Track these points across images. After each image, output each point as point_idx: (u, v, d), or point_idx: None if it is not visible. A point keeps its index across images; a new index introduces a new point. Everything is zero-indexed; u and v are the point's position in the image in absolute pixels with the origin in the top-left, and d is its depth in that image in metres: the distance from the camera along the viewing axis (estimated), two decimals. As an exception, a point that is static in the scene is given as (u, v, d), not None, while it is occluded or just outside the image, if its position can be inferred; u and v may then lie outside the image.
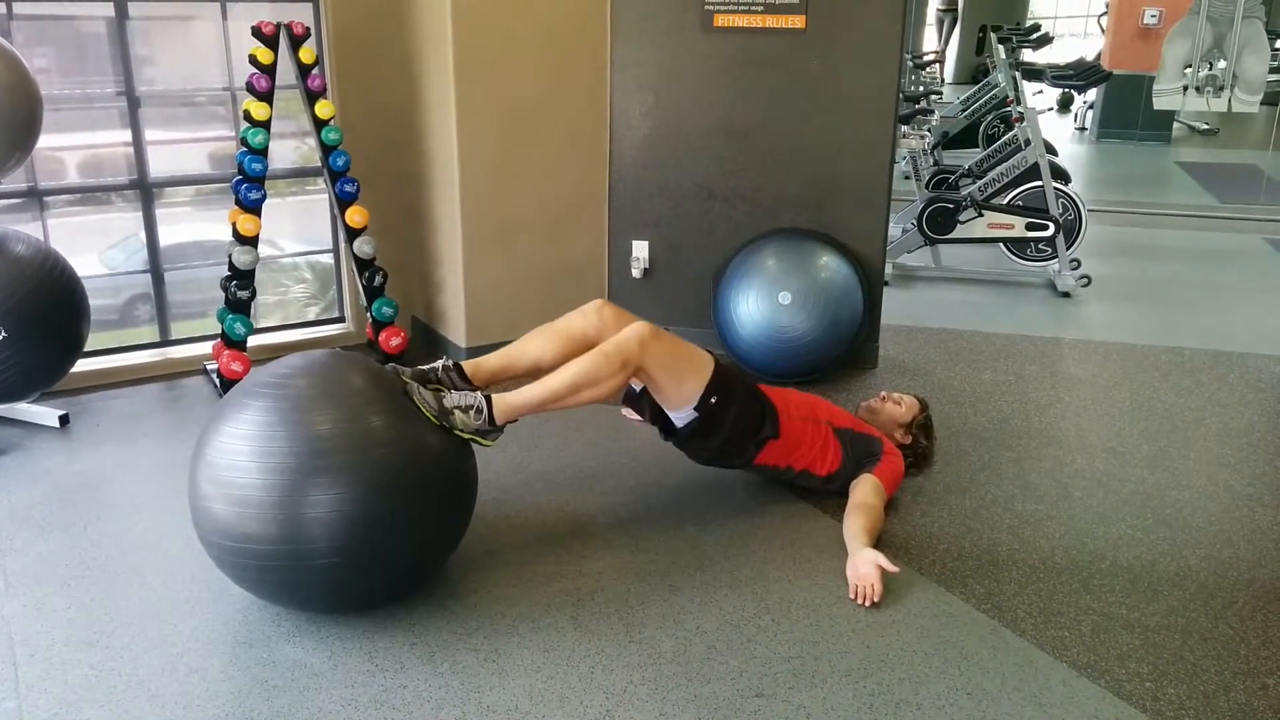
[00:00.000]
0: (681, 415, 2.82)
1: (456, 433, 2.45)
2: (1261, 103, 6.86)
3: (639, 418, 3.17)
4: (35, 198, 3.83)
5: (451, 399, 2.46)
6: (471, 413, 2.46)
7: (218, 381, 3.79)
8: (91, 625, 2.41)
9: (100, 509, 2.97)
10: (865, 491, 2.84)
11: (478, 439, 2.50)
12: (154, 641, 2.35)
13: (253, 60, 3.72)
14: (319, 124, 3.88)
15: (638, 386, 2.93)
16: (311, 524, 2.20)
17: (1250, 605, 2.57)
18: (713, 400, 2.77)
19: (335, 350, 2.51)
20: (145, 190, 3.98)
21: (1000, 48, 7.37)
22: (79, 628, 2.41)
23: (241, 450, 2.22)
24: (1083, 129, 11.62)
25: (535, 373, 2.69)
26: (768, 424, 2.88)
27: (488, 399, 2.49)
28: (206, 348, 4.07)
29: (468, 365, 2.65)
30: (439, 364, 2.60)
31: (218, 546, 2.29)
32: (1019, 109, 6.09)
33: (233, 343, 3.78)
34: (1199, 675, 2.29)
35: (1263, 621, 2.50)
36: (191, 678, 2.23)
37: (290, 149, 4.31)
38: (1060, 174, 6.28)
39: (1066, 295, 5.35)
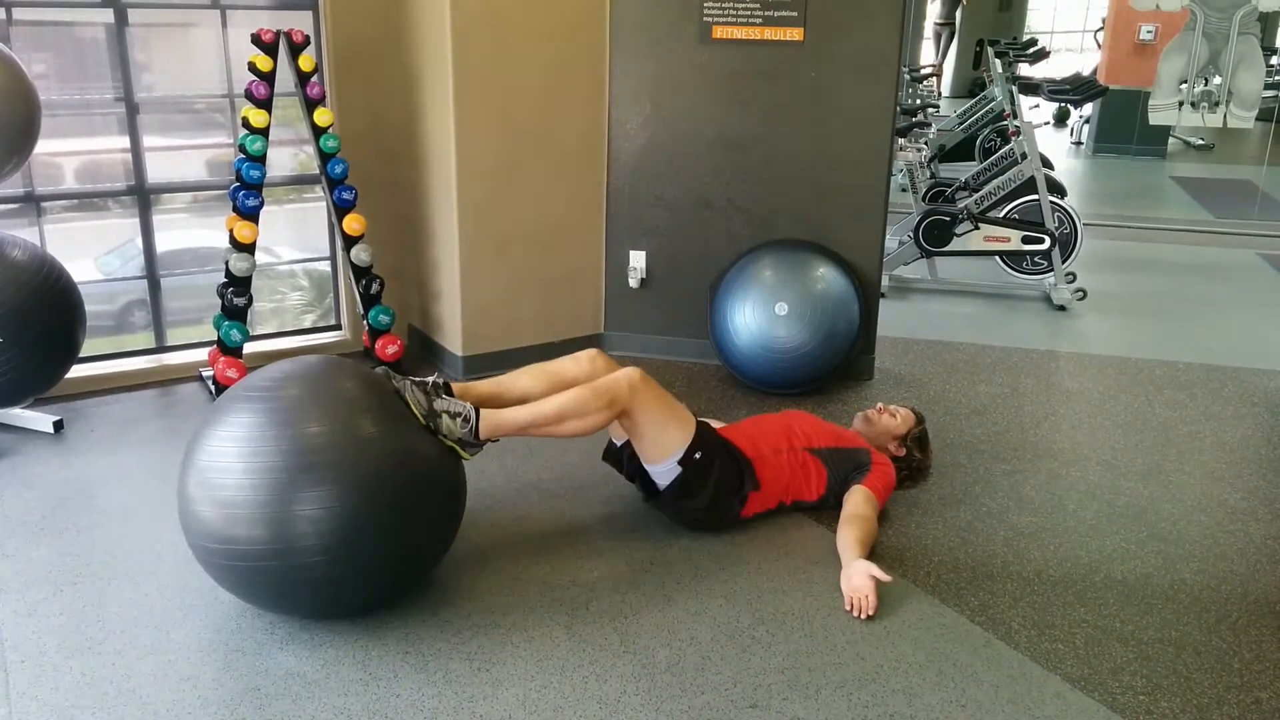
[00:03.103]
0: (663, 470, 2.81)
1: (440, 437, 2.47)
2: (1256, 118, 6.90)
3: None
4: (32, 203, 3.83)
5: (442, 403, 2.48)
6: (458, 421, 2.48)
7: (213, 388, 3.79)
8: (83, 631, 2.41)
9: (93, 515, 2.96)
10: (857, 502, 2.85)
11: (458, 448, 2.51)
12: (146, 648, 2.34)
13: (252, 67, 3.73)
14: (317, 131, 3.89)
15: (619, 440, 2.94)
16: (300, 527, 2.20)
17: (1244, 619, 2.57)
18: (697, 456, 2.78)
19: (326, 356, 2.51)
20: (143, 196, 3.98)
21: (997, 62, 7.41)
22: (71, 634, 2.40)
23: (231, 454, 2.23)
24: (1079, 143, 11.66)
25: (521, 404, 2.70)
26: (747, 479, 2.89)
27: (476, 411, 2.51)
28: (202, 354, 4.07)
29: (457, 387, 2.66)
30: (429, 379, 2.61)
31: (205, 550, 2.29)
32: (1015, 123, 6.12)
33: (229, 350, 3.78)
34: (1192, 688, 2.29)
35: (1256, 635, 2.50)
36: (183, 685, 2.22)
37: (288, 156, 4.31)
38: (1056, 188, 6.30)
39: (1062, 309, 5.37)
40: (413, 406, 2.43)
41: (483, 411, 2.53)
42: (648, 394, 2.71)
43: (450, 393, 2.60)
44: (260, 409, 2.27)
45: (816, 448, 3.00)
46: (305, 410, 2.27)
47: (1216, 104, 6.76)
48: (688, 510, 2.88)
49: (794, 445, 2.99)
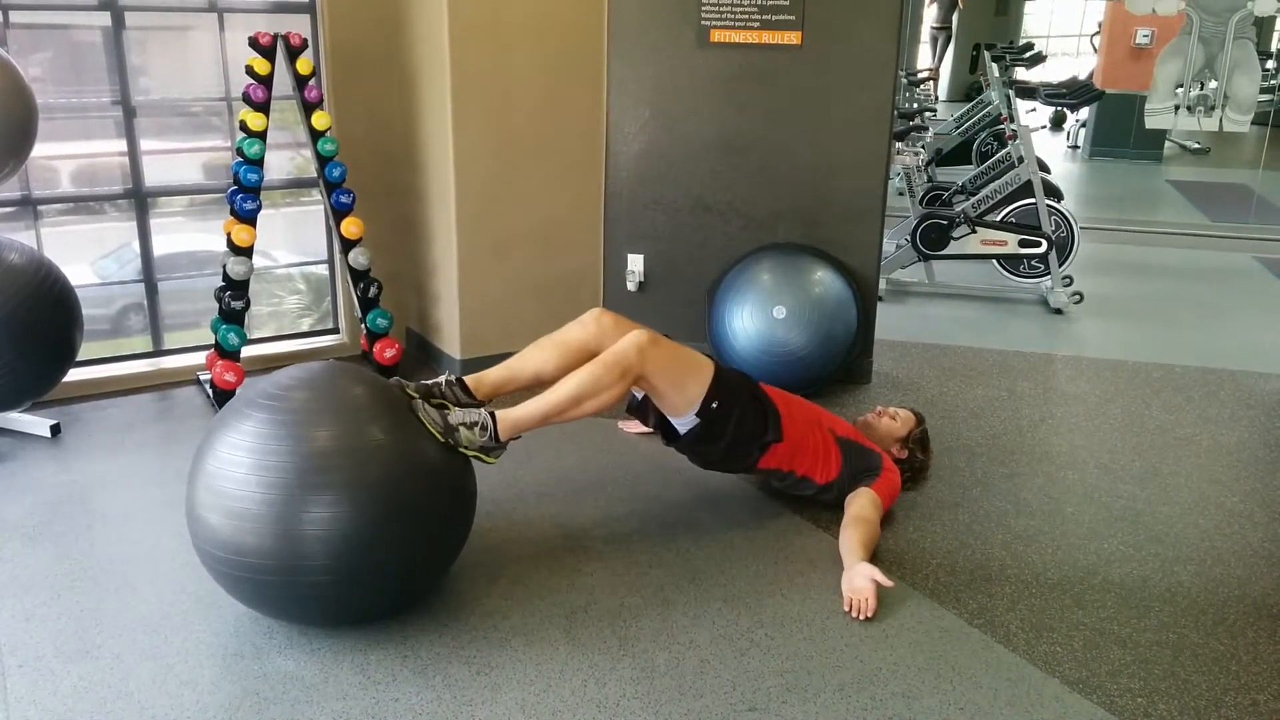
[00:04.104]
0: (684, 421, 2.84)
1: (462, 450, 2.45)
2: (1252, 122, 6.92)
3: (640, 429, 3.16)
4: (29, 206, 3.82)
5: (456, 415, 2.46)
6: (476, 429, 2.46)
7: (210, 392, 3.78)
8: (81, 636, 2.40)
9: (91, 519, 2.96)
10: (862, 505, 2.85)
11: (481, 456, 2.50)
12: (144, 653, 2.34)
13: (249, 71, 3.73)
14: (315, 135, 3.89)
15: (639, 394, 2.94)
16: (310, 539, 2.19)
17: (1241, 621, 2.58)
18: (714, 405, 2.79)
19: (335, 362, 2.51)
20: (140, 200, 3.98)
21: (994, 66, 7.42)
22: (69, 639, 2.39)
23: (241, 463, 2.21)
24: (1075, 147, 11.68)
25: (537, 384, 2.70)
26: (770, 428, 2.89)
27: (492, 415, 2.50)
28: (200, 358, 4.06)
29: (470, 380, 2.65)
30: (441, 379, 2.60)
31: (213, 558, 2.28)
32: (1012, 126, 6.13)
33: (226, 353, 3.77)
34: (1190, 691, 2.29)
35: (1253, 637, 2.51)
36: (182, 690, 2.22)
37: (286, 160, 4.31)
38: (1053, 191, 6.31)
39: (1059, 312, 5.38)
40: (429, 427, 2.40)
41: (498, 413, 2.52)
42: (658, 355, 2.70)
43: (464, 388, 2.59)
44: (270, 417, 2.25)
45: (840, 436, 3.04)
46: (315, 421, 2.26)
47: (1212, 108, 6.78)
48: (705, 453, 2.92)
49: (822, 424, 3.02)
